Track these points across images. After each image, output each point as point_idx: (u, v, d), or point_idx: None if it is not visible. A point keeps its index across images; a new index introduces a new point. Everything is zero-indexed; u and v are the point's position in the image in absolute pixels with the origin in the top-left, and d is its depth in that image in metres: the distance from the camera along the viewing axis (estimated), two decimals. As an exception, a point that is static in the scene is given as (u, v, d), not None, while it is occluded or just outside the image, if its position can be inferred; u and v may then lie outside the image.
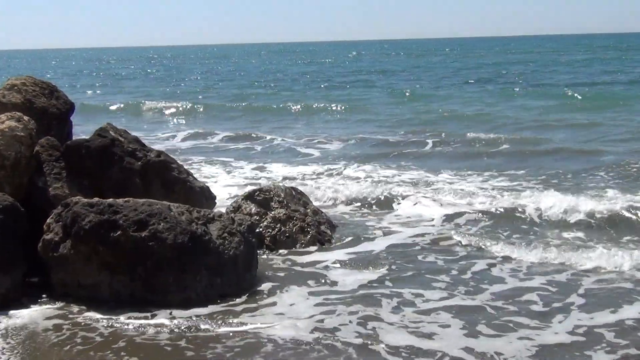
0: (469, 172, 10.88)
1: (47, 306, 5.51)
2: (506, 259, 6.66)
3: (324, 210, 8.20)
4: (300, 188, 8.53)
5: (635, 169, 10.28)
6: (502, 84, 29.27)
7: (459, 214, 8.26)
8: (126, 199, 5.83)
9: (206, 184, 7.42)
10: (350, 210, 8.84)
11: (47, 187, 6.25)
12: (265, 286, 5.97)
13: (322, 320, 5.21)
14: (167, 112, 23.23)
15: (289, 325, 5.10)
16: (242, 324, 5.15)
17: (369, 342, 4.80)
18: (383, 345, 4.75)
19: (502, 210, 8.22)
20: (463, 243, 7.20)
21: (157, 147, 8.26)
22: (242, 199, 7.66)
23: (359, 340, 4.83)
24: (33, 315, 5.34)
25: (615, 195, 8.81)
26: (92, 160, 6.44)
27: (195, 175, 7.40)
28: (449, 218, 8.21)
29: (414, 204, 8.77)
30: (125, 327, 5.12)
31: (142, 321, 5.20)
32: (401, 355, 4.62)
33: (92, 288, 5.59)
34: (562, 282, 6.02)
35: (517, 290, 5.86)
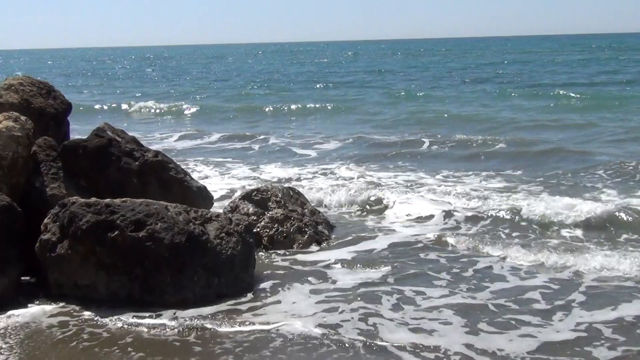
0: (466, 173, 10.89)
1: (45, 306, 5.50)
2: (506, 258, 6.69)
3: (320, 211, 8.21)
4: (296, 188, 8.54)
5: (631, 169, 10.29)
6: (499, 84, 29.29)
7: (457, 215, 8.27)
8: (123, 199, 5.82)
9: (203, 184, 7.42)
10: (347, 210, 8.84)
11: (44, 187, 6.24)
12: (265, 286, 5.98)
13: (325, 318, 5.25)
14: (161, 112, 23.15)
15: (294, 323, 5.14)
16: (247, 321, 5.19)
17: (372, 339, 4.85)
18: (386, 342, 4.80)
19: (500, 211, 8.21)
20: (462, 243, 7.22)
21: (152, 147, 8.25)
22: (240, 199, 7.66)
23: (361, 337, 4.88)
24: (30, 315, 5.34)
25: (613, 195, 8.87)
26: (90, 161, 6.43)
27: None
28: (447, 218, 8.22)
29: (411, 205, 8.77)
30: (129, 324, 5.15)
31: (147, 320, 5.21)
32: (405, 351, 4.67)
33: (89, 288, 5.58)
34: (563, 280, 6.07)
35: (519, 288, 5.90)
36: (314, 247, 7.21)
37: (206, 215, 6.02)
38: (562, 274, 6.20)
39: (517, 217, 8.00)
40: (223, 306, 5.48)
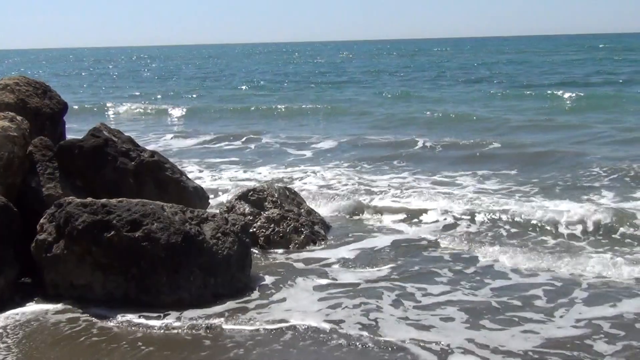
0: (462, 174, 10.89)
1: (42, 305, 5.50)
2: (503, 259, 6.71)
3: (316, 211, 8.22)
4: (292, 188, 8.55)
5: (626, 169, 10.30)
6: (495, 83, 29.34)
7: (454, 215, 8.26)
8: (120, 199, 5.83)
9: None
10: (342, 211, 8.82)
11: (40, 187, 6.24)
12: (264, 285, 6.01)
13: (329, 315, 5.31)
14: (153, 112, 23.02)
15: (300, 319, 5.21)
16: (253, 318, 5.25)
17: (376, 335, 4.91)
18: (390, 338, 4.85)
19: (496, 212, 8.19)
20: (460, 243, 7.25)
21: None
22: (236, 199, 7.67)
23: (365, 333, 4.95)
24: (28, 315, 5.34)
25: (609, 197, 8.90)
26: (86, 161, 6.44)
27: (184, 176, 7.39)
28: (443, 219, 8.21)
29: (407, 205, 8.78)
30: (134, 322, 5.17)
31: (152, 320, 5.22)
32: (409, 347, 4.73)
33: (86, 288, 5.58)
34: (563, 279, 6.12)
35: (520, 286, 5.97)
36: (310, 247, 7.22)
37: (202, 215, 6.02)
38: (561, 274, 6.24)
39: (513, 218, 7.99)
40: (226, 305, 5.50)
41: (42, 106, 6.89)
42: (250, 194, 7.66)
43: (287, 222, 7.39)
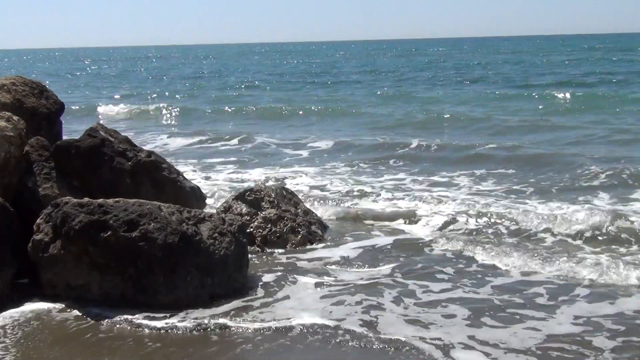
0: (458, 175, 10.87)
1: (40, 306, 5.49)
2: (500, 260, 6.71)
3: (313, 211, 8.22)
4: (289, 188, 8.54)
5: (622, 170, 10.30)
6: (491, 83, 29.40)
7: (450, 217, 8.19)
8: (116, 199, 5.82)
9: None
10: (339, 212, 8.81)
11: (37, 187, 6.23)
12: (262, 285, 6.00)
13: (332, 312, 5.36)
14: (150, 112, 22.89)
15: (304, 317, 5.24)
16: (258, 316, 5.29)
17: (377, 333, 4.96)
18: (391, 336, 4.90)
19: (493, 213, 8.17)
20: (457, 244, 7.23)
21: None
22: (233, 199, 7.67)
23: (366, 330, 5.01)
24: (26, 315, 5.33)
25: (606, 199, 8.92)
26: (82, 161, 6.43)
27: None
28: (439, 220, 8.13)
29: (404, 206, 8.79)
30: (132, 322, 5.16)
31: (154, 322, 5.21)
32: (411, 343, 4.77)
33: (82, 288, 5.57)
34: (563, 278, 6.17)
35: (520, 284, 6.03)
36: (307, 247, 7.23)
37: (199, 215, 6.02)
38: (560, 274, 6.25)
39: (511, 219, 7.95)
40: (229, 305, 5.51)
41: (38, 106, 6.88)
42: (247, 194, 7.66)
43: (284, 222, 7.39)
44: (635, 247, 7.04)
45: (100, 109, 23.88)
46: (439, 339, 4.84)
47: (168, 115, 22.15)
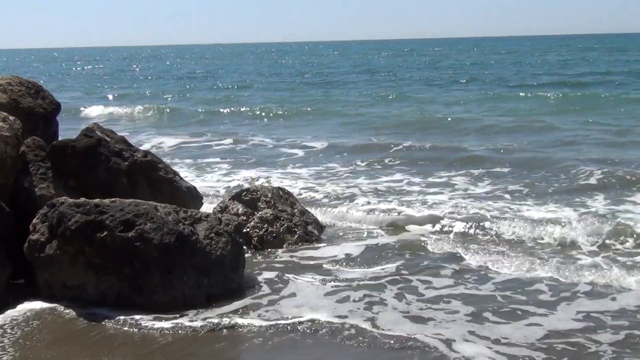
0: (452, 176, 10.84)
1: (36, 307, 5.48)
2: (501, 260, 6.72)
3: (310, 211, 8.22)
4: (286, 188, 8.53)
5: (618, 171, 10.30)
6: (487, 83, 29.43)
7: (446, 218, 8.19)
8: (113, 199, 5.82)
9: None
10: (334, 212, 8.80)
11: (33, 188, 6.22)
12: (258, 285, 6.03)
13: (336, 309, 5.41)
14: (144, 114, 22.70)
15: (309, 314, 5.30)
16: (264, 313, 5.35)
17: (379, 329, 5.02)
18: (395, 332, 4.97)
19: (490, 214, 8.20)
20: (453, 244, 7.26)
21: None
22: (229, 199, 7.67)
23: (369, 326, 5.07)
24: (22, 315, 5.33)
25: (601, 200, 8.93)
26: (78, 161, 6.42)
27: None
28: (438, 220, 8.14)
29: (403, 206, 8.77)
30: (130, 322, 5.17)
31: (155, 322, 5.21)
32: (413, 340, 4.83)
33: (79, 288, 5.57)
34: (563, 277, 6.21)
35: (521, 283, 6.08)
36: (304, 246, 7.24)
37: (196, 215, 6.02)
38: (560, 273, 6.29)
39: (509, 220, 7.94)
40: (226, 305, 5.52)
41: (34, 106, 6.87)
42: (243, 194, 7.66)
43: (281, 222, 7.40)
44: (631, 247, 7.07)
45: (94, 109, 23.69)
46: (443, 334, 4.91)
47: (162, 116, 22.07)
